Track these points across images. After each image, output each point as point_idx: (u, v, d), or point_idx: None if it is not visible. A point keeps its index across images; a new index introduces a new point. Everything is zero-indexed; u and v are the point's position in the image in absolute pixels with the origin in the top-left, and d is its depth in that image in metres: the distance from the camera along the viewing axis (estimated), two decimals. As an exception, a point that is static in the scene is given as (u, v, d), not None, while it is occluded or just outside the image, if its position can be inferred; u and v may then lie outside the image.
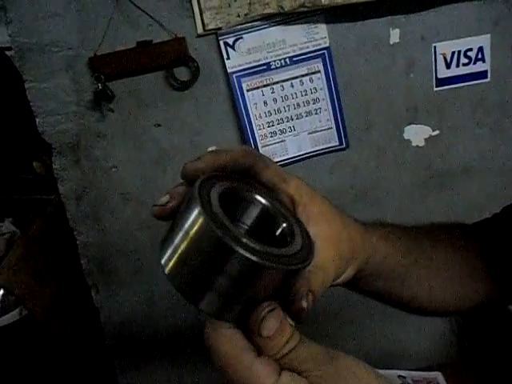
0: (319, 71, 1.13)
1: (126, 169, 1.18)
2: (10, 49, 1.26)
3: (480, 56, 1.15)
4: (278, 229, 0.35)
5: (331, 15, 1.09)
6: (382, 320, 1.36)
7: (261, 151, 1.17)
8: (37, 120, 1.13)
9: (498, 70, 1.16)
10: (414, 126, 1.19)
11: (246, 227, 0.36)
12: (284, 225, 0.34)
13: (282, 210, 0.36)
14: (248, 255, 0.27)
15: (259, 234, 0.34)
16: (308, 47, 1.11)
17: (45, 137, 1.14)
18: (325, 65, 1.13)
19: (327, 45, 1.12)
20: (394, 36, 1.12)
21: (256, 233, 0.35)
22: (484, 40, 1.15)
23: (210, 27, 1.08)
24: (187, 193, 0.34)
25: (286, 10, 1.06)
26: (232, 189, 0.35)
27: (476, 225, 0.60)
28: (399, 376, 1.35)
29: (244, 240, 0.28)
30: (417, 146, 1.21)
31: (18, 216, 1.82)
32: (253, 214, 0.36)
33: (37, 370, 1.63)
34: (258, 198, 0.36)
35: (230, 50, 1.10)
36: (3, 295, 1.59)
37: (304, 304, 0.31)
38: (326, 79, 1.14)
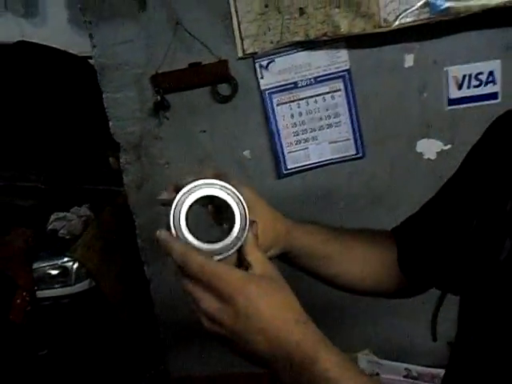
0: (340, 90, 1.31)
1: (177, 166, 1.44)
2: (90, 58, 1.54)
3: (491, 79, 1.27)
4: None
5: (351, 42, 1.26)
6: (395, 316, 1.49)
7: (287, 157, 1.37)
8: (110, 123, 1.42)
9: (509, 91, 1.27)
10: (427, 140, 1.33)
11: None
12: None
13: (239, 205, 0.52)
14: None
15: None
16: (330, 69, 1.30)
17: (115, 137, 1.43)
18: (345, 84, 1.30)
19: (348, 67, 1.29)
20: (409, 60, 1.27)
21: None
22: (495, 65, 1.26)
23: (249, 52, 1.31)
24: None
25: (311, 37, 1.26)
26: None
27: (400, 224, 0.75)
28: (405, 369, 1.47)
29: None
30: (428, 158, 1.34)
31: (94, 203, 2.15)
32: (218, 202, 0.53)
33: (98, 334, 1.94)
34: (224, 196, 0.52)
35: (263, 70, 1.32)
36: (77, 268, 1.90)
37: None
38: (346, 97, 1.31)
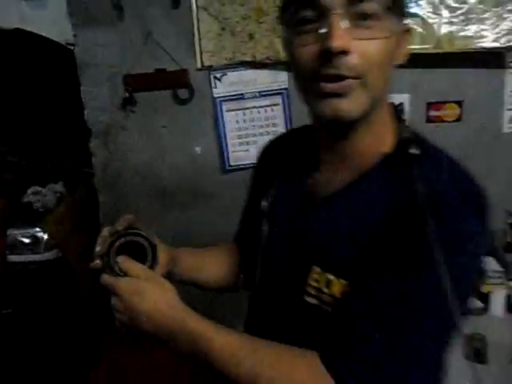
0: (279, 104, 1.57)
1: (138, 153, 1.69)
2: (72, 44, 1.71)
3: (400, 107, 1.54)
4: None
5: (290, 66, 1.53)
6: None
7: (230, 156, 1.63)
8: (85, 112, 1.67)
9: (413, 120, 1.54)
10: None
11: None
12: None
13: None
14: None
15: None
16: (272, 86, 1.56)
17: (88, 124, 1.68)
18: (283, 100, 1.57)
19: (286, 86, 1.56)
20: (336, 86, 1.54)
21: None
22: (405, 97, 1.53)
23: (206, 65, 1.56)
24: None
25: (257, 59, 1.52)
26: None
27: None
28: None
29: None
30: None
31: (68, 181, 2.37)
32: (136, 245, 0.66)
33: (61, 300, 2.14)
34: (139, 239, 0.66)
35: (217, 81, 1.57)
36: (47, 238, 2.12)
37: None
38: (283, 111, 1.58)
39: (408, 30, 0.58)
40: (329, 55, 0.51)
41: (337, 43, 0.50)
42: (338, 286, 0.58)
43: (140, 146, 1.68)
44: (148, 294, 0.59)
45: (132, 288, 0.59)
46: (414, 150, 0.57)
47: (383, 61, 0.54)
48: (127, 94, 1.61)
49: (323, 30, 0.51)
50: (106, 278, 0.62)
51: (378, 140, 0.61)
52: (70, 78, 1.99)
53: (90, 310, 2.26)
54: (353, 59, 0.51)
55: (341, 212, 0.61)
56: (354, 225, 0.59)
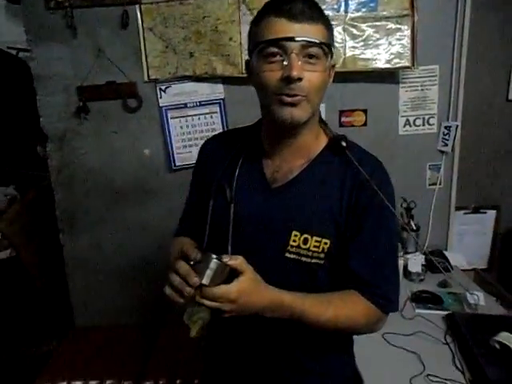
0: (217, 112, 1.84)
1: (91, 156, 1.88)
2: (25, 50, 1.82)
3: (318, 116, 1.85)
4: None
5: (225, 80, 1.80)
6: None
7: (176, 157, 1.86)
8: (41, 119, 1.84)
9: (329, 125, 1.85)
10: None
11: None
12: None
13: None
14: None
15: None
16: (210, 97, 1.82)
17: (44, 130, 1.85)
18: (220, 109, 1.83)
19: (223, 97, 1.82)
20: (265, 97, 1.82)
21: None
22: (321, 106, 1.84)
23: (152, 78, 1.79)
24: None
25: (197, 74, 1.77)
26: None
27: None
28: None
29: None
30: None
31: (20, 185, 2.48)
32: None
33: (15, 296, 2.26)
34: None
35: (162, 92, 1.81)
36: (0, 239, 2.24)
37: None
38: (221, 118, 1.84)
39: (334, 66, 0.86)
40: (289, 80, 0.76)
41: (295, 73, 0.75)
42: (312, 241, 0.84)
43: (93, 150, 1.88)
44: (252, 293, 0.75)
45: (240, 293, 0.74)
46: (343, 143, 0.87)
47: (321, 86, 0.80)
48: (81, 103, 1.80)
49: (285, 63, 0.76)
50: (216, 289, 0.73)
51: (316, 137, 0.89)
52: (21, 87, 2.14)
53: (41, 305, 2.39)
54: (304, 84, 0.77)
55: (306, 188, 0.86)
56: (318, 196, 0.85)
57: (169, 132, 1.84)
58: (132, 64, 1.79)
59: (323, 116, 1.81)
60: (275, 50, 0.77)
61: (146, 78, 1.80)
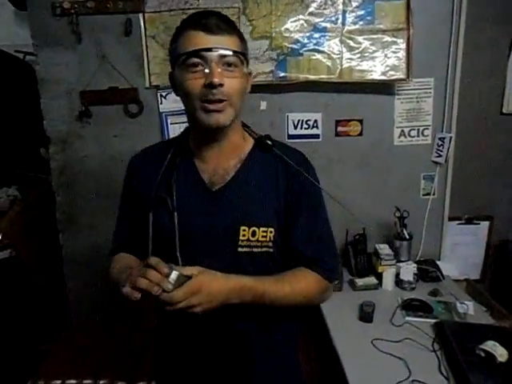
0: (215, 119, 1.87)
1: (93, 159, 1.92)
2: (32, 54, 1.89)
3: (315, 125, 1.89)
4: None
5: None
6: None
7: (175, 161, 1.90)
8: (44, 122, 1.88)
9: (325, 134, 1.90)
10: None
11: None
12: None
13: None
14: None
15: None
16: (210, 104, 1.86)
17: (47, 133, 1.89)
18: (219, 116, 1.87)
19: (222, 104, 1.86)
20: (263, 105, 1.87)
21: None
22: (318, 116, 1.89)
23: (153, 84, 1.84)
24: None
25: (197, 81, 1.81)
26: None
27: None
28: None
29: None
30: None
31: (22, 185, 2.52)
32: None
33: (15, 295, 2.29)
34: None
35: (163, 99, 1.85)
36: (1, 239, 2.27)
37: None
38: (219, 124, 1.88)
39: (250, 73, 0.95)
40: (212, 86, 0.83)
41: (216, 79, 0.82)
42: (260, 232, 0.91)
43: (94, 153, 1.92)
44: (211, 281, 0.81)
45: (201, 284, 0.79)
46: (268, 142, 0.97)
47: (241, 90, 0.88)
48: (83, 108, 1.84)
49: (207, 71, 0.83)
50: (179, 289, 0.77)
51: (243, 138, 0.98)
52: (25, 90, 2.18)
53: (41, 305, 2.41)
54: (225, 89, 0.84)
55: (244, 185, 0.93)
56: (257, 191, 0.93)
57: (168, 137, 1.88)
58: (134, 70, 1.83)
59: (319, 125, 1.92)
60: (197, 60, 0.84)
61: (147, 85, 1.85)
